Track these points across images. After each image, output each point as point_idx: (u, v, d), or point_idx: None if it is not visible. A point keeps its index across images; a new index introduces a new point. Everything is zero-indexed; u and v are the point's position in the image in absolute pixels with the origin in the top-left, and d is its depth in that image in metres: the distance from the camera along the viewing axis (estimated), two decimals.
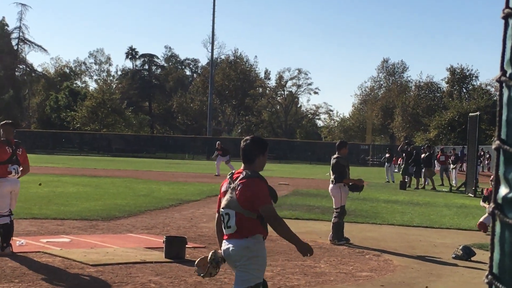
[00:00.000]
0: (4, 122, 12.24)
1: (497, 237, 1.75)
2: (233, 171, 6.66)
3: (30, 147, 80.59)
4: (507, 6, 1.76)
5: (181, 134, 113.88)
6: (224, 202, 6.46)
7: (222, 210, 6.47)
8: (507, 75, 1.74)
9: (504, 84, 1.75)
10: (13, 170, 11.89)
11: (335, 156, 15.50)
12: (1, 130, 11.98)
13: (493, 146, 1.76)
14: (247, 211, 6.29)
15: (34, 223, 16.02)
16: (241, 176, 6.43)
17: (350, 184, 15.38)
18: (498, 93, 1.76)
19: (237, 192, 6.34)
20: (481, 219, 17.68)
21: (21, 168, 12.13)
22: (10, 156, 11.87)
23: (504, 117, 1.75)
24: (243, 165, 6.58)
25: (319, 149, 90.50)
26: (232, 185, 6.44)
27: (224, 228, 6.48)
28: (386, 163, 43.12)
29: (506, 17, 1.76)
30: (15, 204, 12.29)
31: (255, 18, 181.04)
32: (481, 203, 20.04)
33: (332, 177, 15.44)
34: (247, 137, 6.71)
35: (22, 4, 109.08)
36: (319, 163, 76.56)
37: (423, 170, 37.03)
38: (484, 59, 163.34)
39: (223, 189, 6.60)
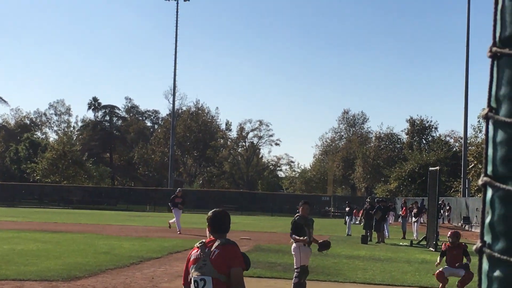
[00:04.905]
0: None
1: (484, 274, 1.86)
2: (203, 241, 6.80)
3: None
4: (494, 44, 1.84)
5: (142, 185, 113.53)
6: (197, 270, 6.60)
7: (196, 276, 6.57)
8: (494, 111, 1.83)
9: (490, 121, 1.84)
10: None
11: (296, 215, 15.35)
12: None
13: (480, 182, 1.85)
14: (223, 276, 6.47)
15: None
16: (217, 243, 6.62)
17: (319, 242, 15.40)
18: (484, 129, 1.86)
19: (213, 257, 6.53)
20: (440, 269, 17.79)
21: None
22: None
23: (489, 153, 1.85)
24: (212, 234, 6.75)
25: (280, 201, 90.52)
26: (206, 251, 6.61)
27: None
28: (347, 216, 43.12)
29: (493, 56, 1.84)
30: None
31: (217, 70, 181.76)
32: (438, 260, 18.51)
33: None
34: (218, 209, 7.06)
35: None
36: (281, 214, 76.50)
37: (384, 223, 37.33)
38: (443, 110, 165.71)
39: (192, 257, 6.72)
